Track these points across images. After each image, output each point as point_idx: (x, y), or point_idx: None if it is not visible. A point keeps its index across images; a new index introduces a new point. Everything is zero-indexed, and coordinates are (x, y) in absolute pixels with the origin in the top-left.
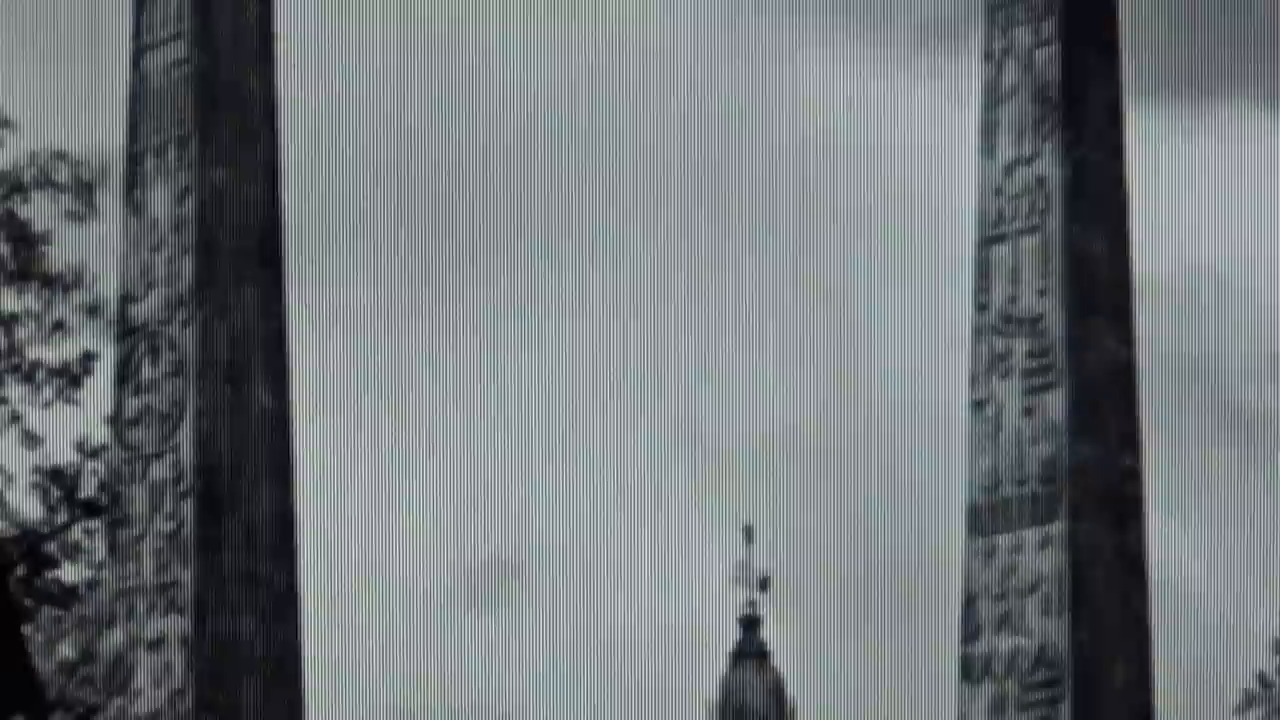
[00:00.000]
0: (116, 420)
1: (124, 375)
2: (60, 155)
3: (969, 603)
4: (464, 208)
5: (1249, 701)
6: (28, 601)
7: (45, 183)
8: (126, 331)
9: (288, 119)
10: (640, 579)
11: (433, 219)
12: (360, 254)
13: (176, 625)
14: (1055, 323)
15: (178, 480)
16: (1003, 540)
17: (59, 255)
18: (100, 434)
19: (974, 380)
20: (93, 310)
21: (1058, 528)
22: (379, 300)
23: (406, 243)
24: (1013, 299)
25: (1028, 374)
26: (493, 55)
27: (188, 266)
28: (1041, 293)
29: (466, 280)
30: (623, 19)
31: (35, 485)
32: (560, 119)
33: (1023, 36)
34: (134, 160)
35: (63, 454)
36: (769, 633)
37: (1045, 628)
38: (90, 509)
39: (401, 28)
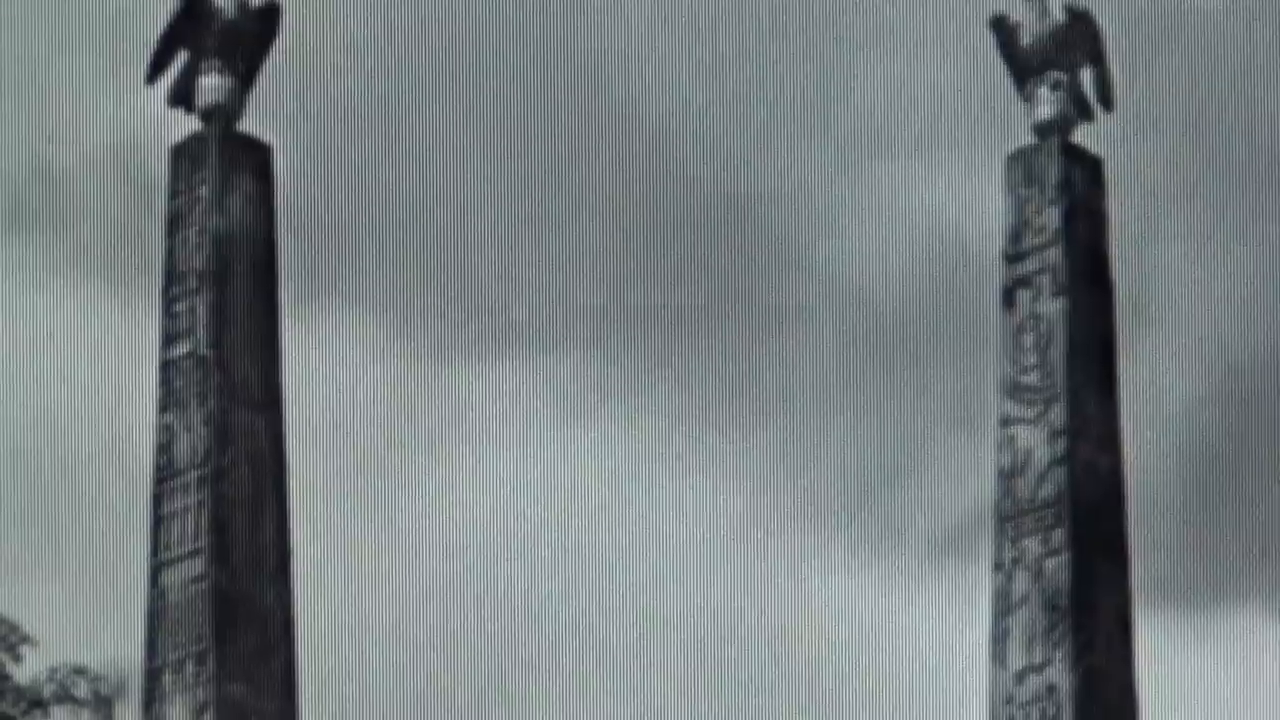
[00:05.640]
0: None
1: None
2: (79, 670)
3: None
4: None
5: None
6: None
7: (64, 698)
8: None
9: (305, 633)
10: None
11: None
12: None
13: None
14: None
15: None
16: None
17: None
18: None
19: None
20: None
21: None
22: None
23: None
24: None
25: None
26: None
27: None
28: None
29: None
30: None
31: None
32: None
33: (1032, 546)
34: (152, 676)
35: None
36: None
37: None
38: None
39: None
